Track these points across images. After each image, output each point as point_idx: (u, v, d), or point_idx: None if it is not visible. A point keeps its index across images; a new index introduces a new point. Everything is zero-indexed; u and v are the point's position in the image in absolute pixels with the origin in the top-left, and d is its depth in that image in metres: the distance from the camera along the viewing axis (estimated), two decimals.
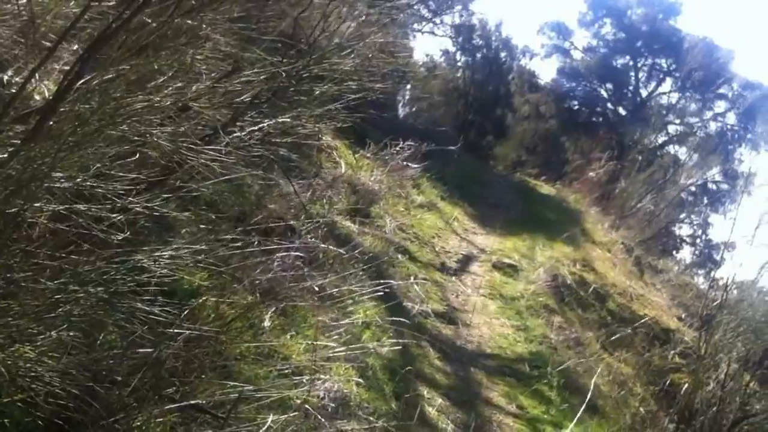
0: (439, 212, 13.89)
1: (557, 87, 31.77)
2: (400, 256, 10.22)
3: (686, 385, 8.91)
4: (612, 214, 19.79)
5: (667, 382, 10.57)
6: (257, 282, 6.38)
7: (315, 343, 5.95)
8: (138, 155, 3.41)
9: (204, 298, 4.95)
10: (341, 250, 8.38)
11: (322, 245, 8.20)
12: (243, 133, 4.38)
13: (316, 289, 7.25)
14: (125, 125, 3.05)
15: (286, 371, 5.55)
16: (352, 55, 5.50)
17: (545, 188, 21.33)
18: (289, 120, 4.82)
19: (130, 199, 3.17)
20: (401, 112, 26.33)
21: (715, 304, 9.06)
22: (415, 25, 25.24)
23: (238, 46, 4.20)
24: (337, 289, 7.49)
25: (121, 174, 3.16)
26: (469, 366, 8.18)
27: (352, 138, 13.23)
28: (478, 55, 28.16)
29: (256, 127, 4.39)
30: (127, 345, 3.43)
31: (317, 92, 5.08)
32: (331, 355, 6.08)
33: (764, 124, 29.08)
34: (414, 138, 13.94)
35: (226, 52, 4.15)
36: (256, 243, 6.94)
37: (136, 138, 3.17)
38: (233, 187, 7.74)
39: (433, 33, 26.55)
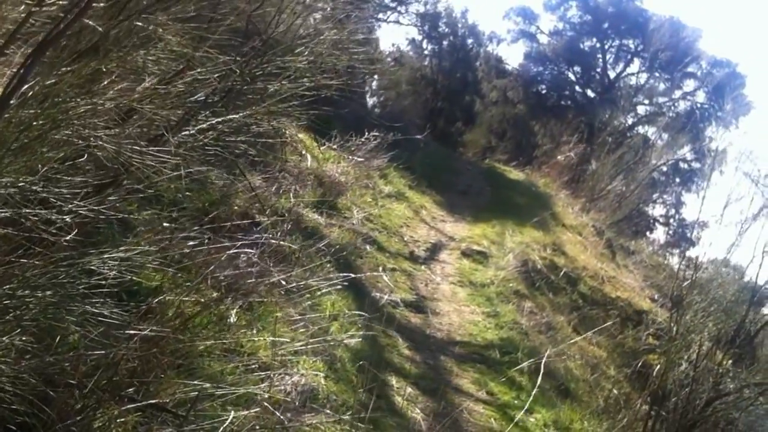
0: (407, 201, 13.93)
1: (525, 72, 31.82)
2: (368, 246, 10.26)
3: (658, 366, 9.01)
4: (582, 197, 19.94)
5: (641, 363, 10.70)
6: (221, 278, 6.41)
7: (276, 338, 6.00)
8: (87, 158, 3.42)
9: (162, 296, 4.94)
10: (307, 243, 8.47)
11: (287, 239, 8.26)
12: (194, 131, 4.39)
13: (282, 283, 7.29)
14: (69, 129, 3.06)
15: (252, 367, 5.59)
16: (306, 52, 5.51)
17: (514, 173, 21.42)
18: (240, 118, 4.83)
19: (76, 202, 3.18)
20: (369, 102, 26.38)
21: (685, 284, 9.15)
22: (380, 15, 25.31)
23: (190, 46, 4.21)
24: (303, 282, 7.54)
25: (68, 177, 3.17)
26: (439, 354, 8.24)
27: (318, 130, 13.23)
28: (445, 43, 28.16)
29: (206, 125, 4.39)
30: (81, 348, 3.45)
31: (271, 90, 5.10)
32: (298, 349, 6.12)
33: (733, 101, 29.25)
34: (381, 128, 13.96)
35: (179, 52, 4.16)
36: (218, 240, 7.00)
37: (80, 142, 3.18)
38: (196, 185, 7.75)
39: (398, 22, 26.51)
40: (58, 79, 3.11)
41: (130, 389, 3.63)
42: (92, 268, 3.34)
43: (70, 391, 3.30)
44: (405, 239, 11.69)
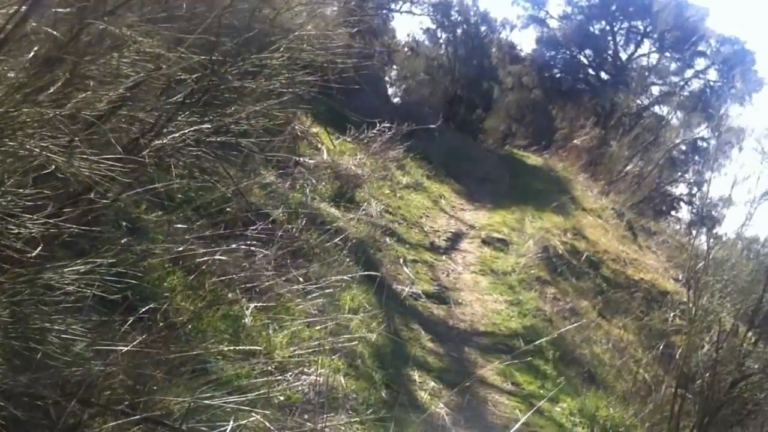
0: (426, 192, 13.67)
1: (538, 57, 31.29)
2: (387, 239, 10.00)
3: (681, 349, 8.69)
4: (601, 180, 19.59)
5: (665, 344, 10.38)
6: (236, 278, 6.16)
7: (293, 337, 5.74)
8: (50, 172, 3.16)
9: (163, 301, 4.69)
10: (324, 238, 8.22)
11: (303, 235, 8.01)
12: (170, 137, 4.14)
13: (300, 279, 7.04)
14: (14, 141, 2.81)
15: (268, 368, 5.33)
16: (285, 48, 5.23)
17: (533, 159, 21.08)
18: (220, 118, 4.58)
19: (33, 217, 2.92)
20: (390, 92, 26.19)
21: (700, 265, 8.81)
22: (392, 5, 25.04)
23: (164, 47, 3.94)
24: (321, 278, 7.28)
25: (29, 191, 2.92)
26: (463, 346, 7.97)
27: (334, 123, 12.99)
28: (459, 31, 27.74)
29: (177, 134, 4.13)
30: (62, 365, 3.18)
31: (248, 89, 4.85)
32: (316, 347, 5.86)
33: (744, 78, 28.81)
34: (398, 118, 13.69)
35: (152, 53, 3.90)
36: (232, 239, 6.75)
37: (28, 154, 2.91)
38: (206, 186, 7.50)
39: (411, 12, 26.23)
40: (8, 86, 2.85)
41: (121, 405, 3.37)
42: (53, 283, 3.09)
43: (45, 411, 3.05)
44: (425, 230, 11.42)
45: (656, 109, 29.82)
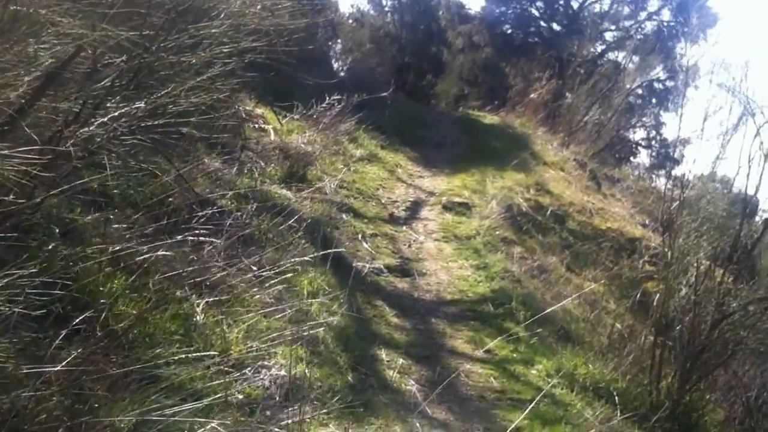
0: (381, 162, 13.47)
1: (488, 14, 31.01)
2: (344, 215, 9.81)
3: (658, 295, 8.58)
4: (561, 132, 19.42)
5: (640, 292, 10.29)
6: (183, 275, 5.95)
7: (249, 330, 5.54)
8: None
9: (101, 307, 4.47)
10: (277, 222, 8.02)
11: (253, 221, 7.80)
12: (106, 120, 3.88)
13: (253, 268, 6.84)
14: None
15: (225, 367, 5.13)
16: (223, 16, 5.00)
17: (489, 118, 20.87)
18: (152, 101, 4.34)
19: None
20: (336, 66, 25.94)
21: (674, 206, 8.69)
22: None
23: (87, 26, 3.69)
24: (276, 265, 7.09)
25: None
26: (430, 317, 7.81)
27: (279, 102, 12.73)
28: None
29: (107, 121, 3.89)
30: None
31: (186, 63, 4.60)
32: (275, 338, 5.67)
33: (699, 15, 28.72)
34: (346, 91, 13.45)
35: (74, 34, 3.64)
36: (177, 231, 6.52)
37: None
38: (145, 177, 7.26)
39: None
40: None
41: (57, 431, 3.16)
42: None
43: None
44: (382, 201, 11.23)
45: (612, 55, 29.81)
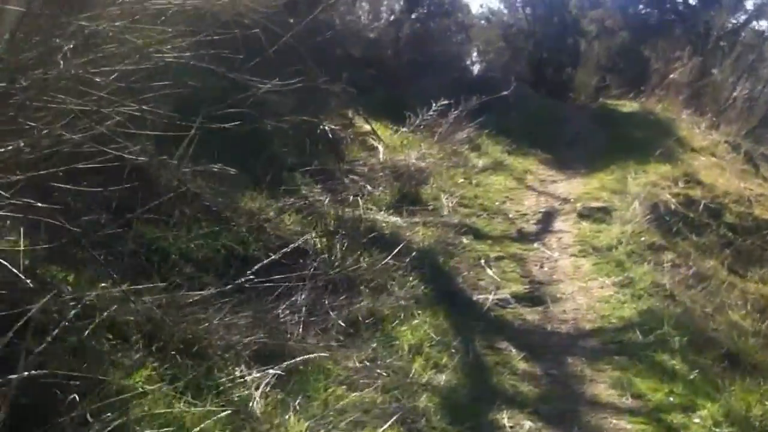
0: (508, 170, 12.15)
1: None
2: (463, 238, 8.57)
3: None
4: (708, 113, 17.59)
5: None
6: (240, 346, 4.82)
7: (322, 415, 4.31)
8: None
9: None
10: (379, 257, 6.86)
11: (349, 259, 6.63)
12: None
13: (340, 324, 5.66)
14: None
15: None
16: None
17: (628, 106, 19.18)
18: None
19: None
20: (475, 69, 25.25)
21: None
22: None
23: None
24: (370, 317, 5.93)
25: None
26: (565, 357, 6.40)
27: (391, 115, 11.66)
28: None
29: None
30: None
31: None
32: (358, 419, 4.44)
33: None
34: (473, 94, 12.27)
35: None
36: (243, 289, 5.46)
37: None
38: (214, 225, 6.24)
39: None
40: None
41: None
42: None
43: None
44: (509, 216, 9.90)
45: (754, 24, 27.60)
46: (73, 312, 3.98)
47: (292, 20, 8.63)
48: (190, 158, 6.98)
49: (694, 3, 28.19)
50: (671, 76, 19.21)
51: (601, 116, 18.25)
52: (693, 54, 20.36)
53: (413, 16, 20.60)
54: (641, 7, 29.45)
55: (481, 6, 29.64)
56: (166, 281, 5.24)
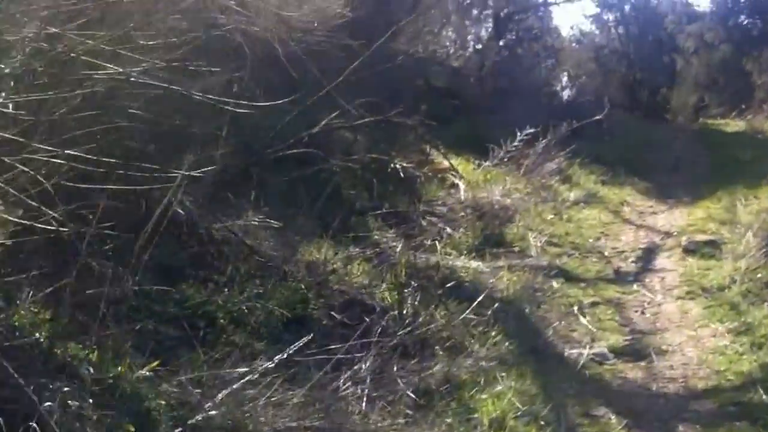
0: (602, 203, 11.50)
1: (719, 6, 28.61)
2: (554, 282, 7.88)
3: None
4: None
5: None
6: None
7: None
8: None
9: None
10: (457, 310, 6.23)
11: (424, 317, 6.00)
12: None
13: (411, 395, 5.03)
14: None
15: None
16: None
17: (732, 125, 18.43)
18: None
19: None
20: (565, 95, 24.90)
21: None
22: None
23: None
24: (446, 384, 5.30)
25: None
26: (676, 424, 5.61)
27: (473, 147, 11.11)
28: (626, 7, 26.21)
29: None
30: None
31: None
32: None
33: None
34: (560, 121, 11.71)
35: None
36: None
37: None
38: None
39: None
40: None
41: None
42: None
43: None
44: (605, 254, 9.18)
45: None
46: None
47: (356, 44, 8.20)
48: (249, 205, 6.55)
49: None
50: None
51: (703, 138, 17.57)
52: None
53: (501, 43, 20.39)
54: (743, 17, 28.62)
55: (572, 28, 29.30)
56: (211, 351, 4.74)
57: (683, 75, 25.87)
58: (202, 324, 5.13)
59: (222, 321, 5.22)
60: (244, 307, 5.39)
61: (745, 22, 28.47)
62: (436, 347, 5.78)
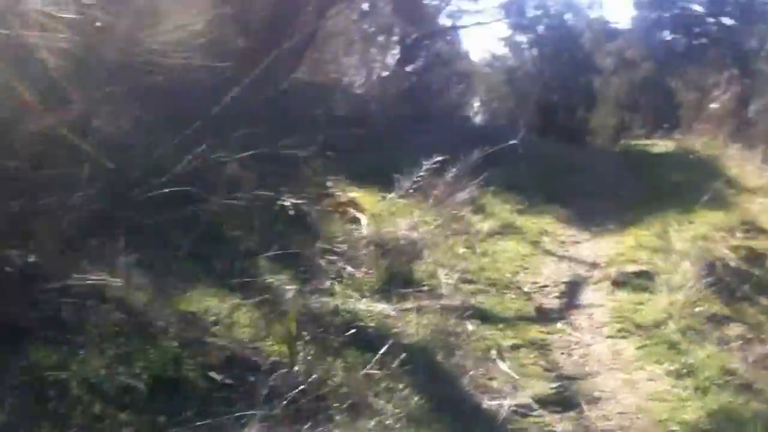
0: (519, 233, 11.51)
1: (640, 23, 29.81)
2: (468, 324, 7.69)
3: None
4: (760, 144, 17.21)
5: None
6: None
7: None
8: None
9: None
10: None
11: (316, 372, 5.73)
12: None
13: None
14: None
15: None
16: None
17: (660, 145, 18.97)
18: None
19: None
20: (478, 120, 25.70)
21: None
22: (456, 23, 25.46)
23: None
24: None
25: None
26: None
27: (381, 179, 11.05)
28: (540, 27, 27.21)
29: None
30: None
31: None
32: None
33: None
34: (471, 147, 11.70)
35: None
36: None
37: None
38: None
39: (479, 23, 26.20)
40: None
41: None
42: None
43: None
44: (525, 290, 9.14)
45: None
46: None
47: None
48: (117, 252, 6.23)
49: (729, 23, 28.40)
50: (710, 106, 18.95)
51: (628, 159, 18.24)
52: (732, 79, 20.16)
53: (409, 69, 20.79)
54: (666, 33, 29.71)
55: (483, 51, 30.59)
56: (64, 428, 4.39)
57: (602, 95, 26.83)
58: (52, 394, 4.76)
59: (76, 390, 4.85)
60: (103, 372, 5.03)
61: (668, 38, 29.56)
62: (335, 406, 5.51)
